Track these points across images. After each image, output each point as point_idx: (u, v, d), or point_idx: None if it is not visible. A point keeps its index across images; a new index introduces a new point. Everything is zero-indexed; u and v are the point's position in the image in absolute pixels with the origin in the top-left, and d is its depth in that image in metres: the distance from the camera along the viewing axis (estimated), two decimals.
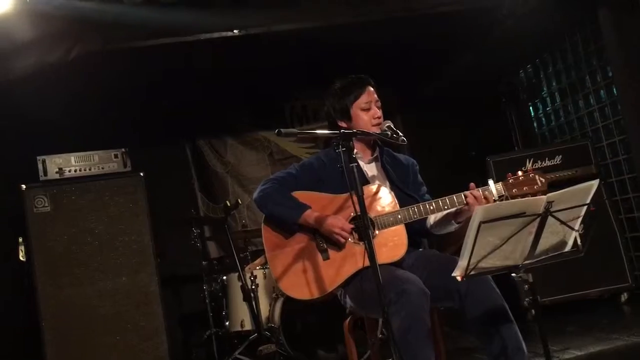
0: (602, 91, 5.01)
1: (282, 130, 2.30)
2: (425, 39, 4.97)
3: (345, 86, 2.87)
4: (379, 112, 2.83)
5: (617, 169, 4.96)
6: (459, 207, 2.64)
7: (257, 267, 4.59)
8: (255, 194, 2.83)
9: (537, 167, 4.63)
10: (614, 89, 4.78)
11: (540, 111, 5.98)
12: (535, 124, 6.07)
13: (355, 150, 2.83)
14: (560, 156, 4.72)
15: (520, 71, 6.16)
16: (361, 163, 2.85)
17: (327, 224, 2.66)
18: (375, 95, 2.86)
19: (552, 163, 4.71)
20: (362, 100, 2.82)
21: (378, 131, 2.79)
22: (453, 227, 2.76)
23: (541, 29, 4.93)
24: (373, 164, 2.93)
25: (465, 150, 5.85)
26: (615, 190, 4.96)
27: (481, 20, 4.72)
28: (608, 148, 5.02)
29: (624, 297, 4.62)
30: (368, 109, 2.82)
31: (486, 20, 4.75)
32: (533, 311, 2.34)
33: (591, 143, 4.78)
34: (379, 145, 2.95)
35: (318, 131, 2.63)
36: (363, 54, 4.91)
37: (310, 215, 2.70)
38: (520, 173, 2.66)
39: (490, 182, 2.65)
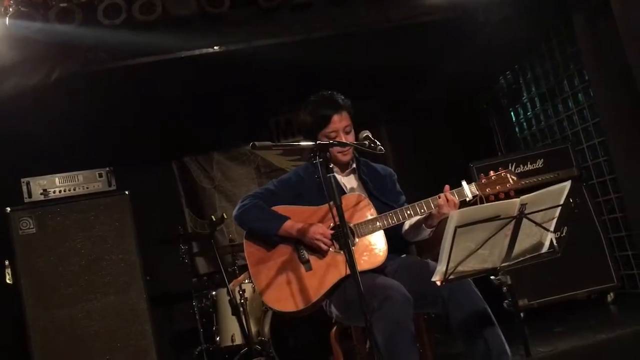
0: (580, 94, 5.09)
1: (256, 143, 2.34)
2: (406, 50, 5.02)
3: (313, 111, 2.83)
4: (345, 140, 2.78)
5: (598, 170, 5.02)
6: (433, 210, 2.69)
7: (243, 282, 4.60)
8: (234, 211, 2.85)
9: (519, 171, 4.69)
10: (591, 92, 4.86)
11: (522, 116, 6.06)
12: (517, 129, 6.14)
13: (331, 165, 2.87)
14: (542, 160, 4.78)
15: (500, 77, 6.24)
16: (338, 177, 2.87)
17: (308, 232, 2.69)
18: (345, 121, 2.81)
19: (534, 167, 4.77)
20: (328, 129, 2.78)
21: (345, 159, 2.84)
22: (427, 232, 2.80)
23: (518, 35, 5.00)
24: (351, 176, 2.96)
25: (449, 157, 5.90)
26: (597, 191, 5.01)
27: (459, 29, 4.79)
28: (588, 150, 5.08)
29: (611, 297, 4.66)
30: (334, 138, 2.77)
31: (464, 29, 4.82)
32: (517, 313, 2.39)
33: (571, 146, 4.85)
34: (355, 157, 2.98)
35: (293, 143, 2.64)
36: (345, 67, 4.96)
37: (291, 226, 2.73)
38: (492, 173, 2.72)
39: (464, 183, 2.70)
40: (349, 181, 2.94)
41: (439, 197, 2.66)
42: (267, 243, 2.79)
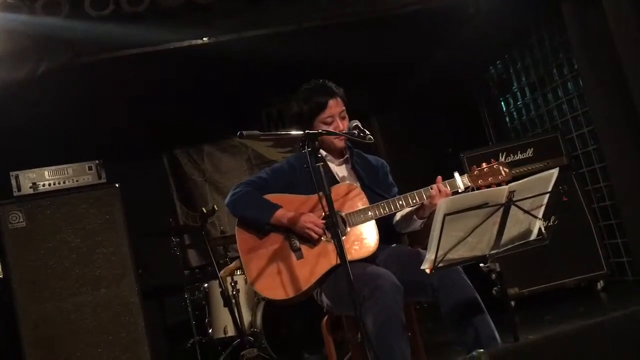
0: (569, 84, 5.10)
1: (244, 132, 2.34)
2: (397, 40, 5.02)
3: (307, 98, 2.83)
4: (342, 125, 2.79)
5: (587, 159, 5.05)
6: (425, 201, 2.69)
7: (235, 271, 4.60)
8: (227, 198, 2.86)
9: (509, 160, 4.70)
10: (580, 81, 4.87)
11: (512, 106, 6.07)
12: (507, 118, 6.16)
13: (324, 153, 2.88)
14: (532, 149, 4.80)
15: (490, 67, 6.25)
16: (331, 165, 2.88)
17: (299, 221, 2.69)
18: (340, 107, 2.82)
19: (524, 156, 4.79)
20: (324, 115, 2.78)
21: (341, 144, 2.84)
22: (418, 223, 2.80)
23: (508, 25, 5.02)
24: (343, 166, 2.96)
25: (440, 147, 5.92)
26: (587, 180, 5.04)
27: (449, 19, 4.79)
28: (578, 139, 5.11)
29: (600, 284, 4.69)
30: (331, 123, 2.78)
31: (455, 19, 4.82)
32: (506, 300, 2.41)
33: (561, 135, 4.87)
34: (349, 147, 2.98)
35: (282, 132, 2.64)
36: (336, 57, 4.94)
37: (282, 215, 2.73)
38: (484, 164, 2.72)
39: (456, 174, 2.70)
40: (341, 170, 2.94)
41: (431, 188, 2.67)
42: (258, 231, 2.79)
